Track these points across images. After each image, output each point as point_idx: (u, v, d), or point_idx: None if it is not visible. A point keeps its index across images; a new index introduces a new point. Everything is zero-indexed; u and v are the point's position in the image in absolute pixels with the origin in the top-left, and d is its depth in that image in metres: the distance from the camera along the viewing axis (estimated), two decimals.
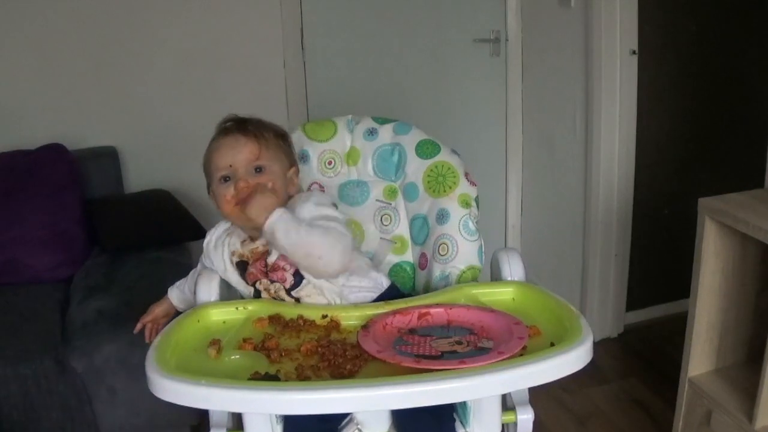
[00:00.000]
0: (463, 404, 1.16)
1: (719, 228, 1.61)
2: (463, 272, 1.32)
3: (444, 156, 1.40)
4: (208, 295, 1.26)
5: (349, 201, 1.46)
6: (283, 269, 1.24)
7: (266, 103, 2.63)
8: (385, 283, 1.30)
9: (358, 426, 1.12)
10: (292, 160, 1.35)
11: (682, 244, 1.99)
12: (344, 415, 1.13)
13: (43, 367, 1.80)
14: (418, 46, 2.81)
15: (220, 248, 1.31)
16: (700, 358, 1.74)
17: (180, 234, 2.28)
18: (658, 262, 2.71)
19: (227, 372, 1.01)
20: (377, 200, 1.46)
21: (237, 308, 1.20)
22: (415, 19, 2.78)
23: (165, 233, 2.30)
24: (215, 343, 1.07)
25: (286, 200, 1.29)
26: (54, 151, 2.32)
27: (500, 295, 1.22)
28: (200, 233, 2.10)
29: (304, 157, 1.46)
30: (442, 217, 1.36)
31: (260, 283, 1.26)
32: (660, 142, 2.57)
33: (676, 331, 2.00)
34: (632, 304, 2.72)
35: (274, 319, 1.17)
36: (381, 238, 1.45)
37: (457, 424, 1.17)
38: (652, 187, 2.61)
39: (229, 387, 0.94)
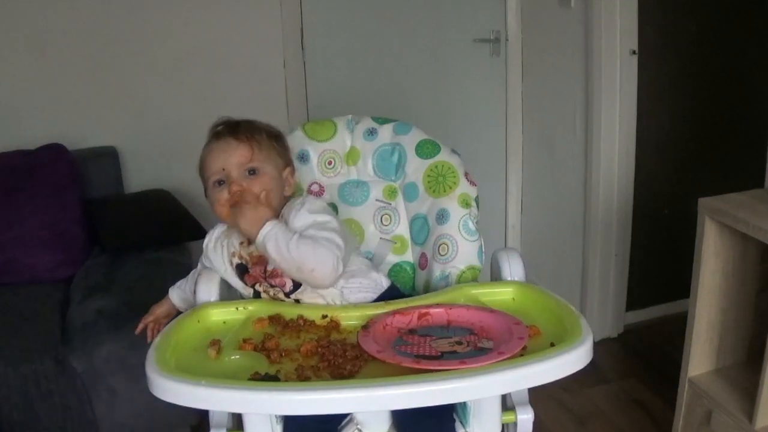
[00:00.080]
0: (463, 404, 1.16)
1: (719, 228, 1.61)
2: (463, 272, 1.32)
3: (444, 156, 1.40)
4: (208, 296, 1.26)
5: (349, 201, 1.46)
6: (282, 275, 1.24)
7: (266, 103, 2.63)
8: (385, 283, 1.30)
9: (358, 426, 1.12)
10: (287, 159, 1.35)
11: (682, 244, 1.99)
12: (344, 416, 1.13)
13: (43, 367, 1.80)
14: (418, 46, 2.81)
15: (219, 249, 1.31)
16: (700, 358, 1.74)
17: (180, 234, 2.27)
18: (658, 262, 2.71)
19: (227, 372, 1.01)
20: (377, 200, 1.46)
21: (237, 308, 1.20)
22: (415, 19, 2.78)
23: (165, 233, 2.29)
24: (215, 343, 1.07)
25: (283, 202, 1.29)
26: (54, 151, 2.32)
27: (500, 295, 1.22)
28: (200, 233, 2.10)
29: (305, 157, 1.46)
30: (442, 217, 1.36)
31: (260, 285, 1.26)
32: (660, 142, 2.57)
33: (676, 331, 2.00)
34: (632, 304, 2.72)
35: (274, 319, 1.17)
36: (381, 238, 1.45)
37: (457, 425, 1.17)
38: (652, 187, 2.61)
39: (229, 387, 0.94)
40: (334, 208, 1.45)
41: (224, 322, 1.18)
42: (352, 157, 1.46)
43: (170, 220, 2.32)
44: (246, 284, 1.27)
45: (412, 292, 1.40)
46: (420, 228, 1.41)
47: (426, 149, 1.41)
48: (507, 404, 1.20)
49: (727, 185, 1.67)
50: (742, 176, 1.86)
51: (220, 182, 1.26)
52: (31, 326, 1.92)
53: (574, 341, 0.99)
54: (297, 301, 1.25)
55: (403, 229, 1.45)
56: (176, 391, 0.95)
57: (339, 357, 1.03)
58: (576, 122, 2.57)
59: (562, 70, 2.63)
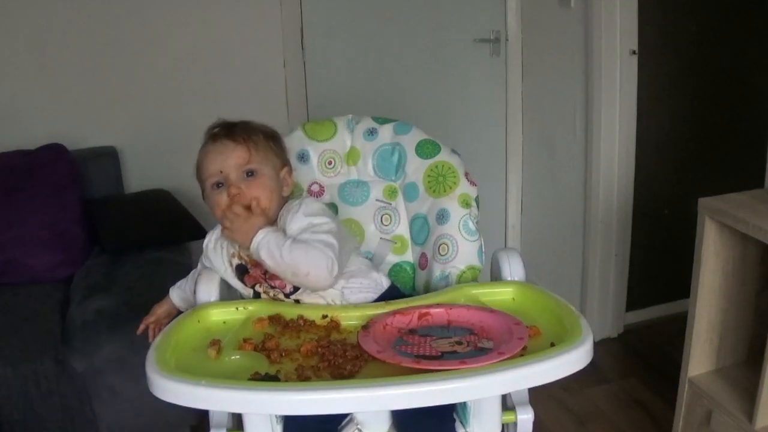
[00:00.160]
0: (463, 404, 1.16)
1: (719, 228, 1.61)
2: (463, 272, 1.32)
3: (444, 156, 1.40)
4: (208, 296, 1.26)
5: (349, 201, 1.46)
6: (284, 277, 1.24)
7: (266, 103, 2.64)
8: (385, 283, 1.30)
9: (358, 426, 1.12)
10: (285, 159, 1.34)
11: (682, 244, 1.99)
12: (344, 416, 1.13)
13: (43, 367, 1.80)
14: (418, 45, 2.81)
15: (219, 250, 1.31)
16: (700, 358, 1.74)
17: (180, 234, 2.27)
18: (658, 262, 2.71)
19: (227, 372, 1.01)
20: (377, 200, 1.46)
21: (237, 308, 1.20)
22: (415, 19, 2.78)
23: (165, 233, 2.29)
24: (215, 343, 1.07)
25: (282, 202, 1.29)
26: (54, 151, 2.32)
27: (500, 295, 1.22)
28: (200, 233, 2.10)
29: (305, 157, 1.46)
30: (442, 217, 1.36)
31: (260, 286, 1.27)
32: (660, 142, 2.57)
33: (676, 331, 2.00)
34: (632, 304, 2.72)
35: (274, 319, 1.17)
36: (381, 238, 1.45)
37: (457, 424, 1.17)
38: (652, 186, 2.61)
39: (229, 387, 0.94)
40: (334, 208, 1.45)
41: (224, 322, 1.18)
42: (352, 157, 1.46)
43: (170, 220, 2.32)
44: (246, 285, 1.27)
45: (413, 292, 1.41)
46: (420, 228, 1.41)
47: (426, 149, 1.41)
48: (507, 404, 1.20)
49: (727, 185, 1.67)
50: (743, 176, 1.86)
51: (218, 185, 1.26)
52: (31, 326, 1.92)
53: (574, 341, 0.99)
54: (297, 301, 1.25)
55: (403, 229, 1.45)
56: (176, 391, 0.95)
57: (339, 357, 1.03)
58: (576, 122, 2.57)
59: (562, 70, 2.63)
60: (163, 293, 1.45)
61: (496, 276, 1.30)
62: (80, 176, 2.35)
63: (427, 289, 1.35)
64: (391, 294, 1.28)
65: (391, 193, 1.45)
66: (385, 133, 1.45)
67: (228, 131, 1.28)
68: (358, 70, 2.77)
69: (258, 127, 1.32)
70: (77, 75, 2.47)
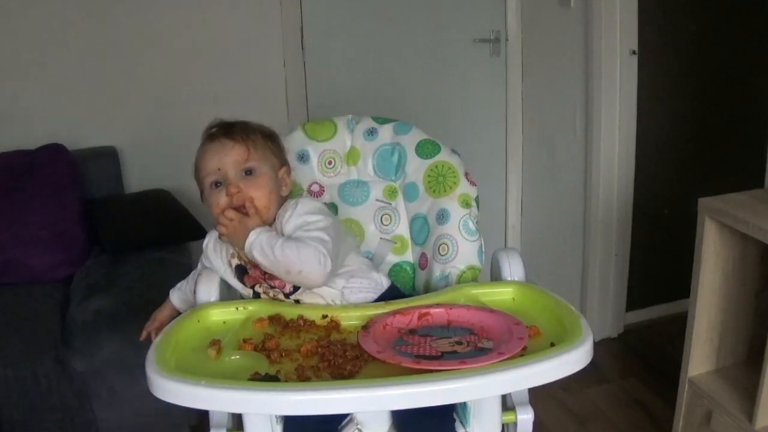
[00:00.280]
0: (464, 404, 1.16)
1: (719, 228, 1.61)
2: (463, 272, 1.32)
3: (444, 156, 1.40)
4: (208, 296, 1.26)
5: (349, 201, 1.46)
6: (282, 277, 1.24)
7: (266, 103, 2.64)
8: (385, 283, 1.30)
9: (358, 426, 1.12)
10: (283, 159, 1.35)
11: (682, 244, 1.99)
12: (344, 416, 1.13)
13: (43, 367, 1.80)
14: (418, 45, 2.81)
15: (219, 250, 1.31)
16: (700, 358, 1.74)
17: (180, 234, 2.27)
18: (658, 262, 2.71)
19: (227, 372, 1.01)
20: (377, 200, 1.46)
21: (237, 308, 1.20)
22: (415, 18, 2.78)
23: (165, 233, 2.29)
24: (215, 343, 1.07)
25: (280, 202, 1.29)
26: (54, 151, 2.32)
27: (500, 295, 1.22)
28: (201, 233, 2.10)
29: (304, 157, 1.46)
30: (442, 217, 1.36)
31: (259, 286, 1.27)
32: (660, 142, 2.57)
33: (676, 331, 2.00)
34: (632, 304, 2.72)
35: (274, 319, 1.17)
36: (381, 238, 1.45)
37: (457, 424, 1.17)
38: (652, 187, 2.61)
39: (229, 388, 0.94)
40: (333, 208, 1.45)
41: (224, 322, 1.18)
42: (352, 157, 1.46)
43: (170, 220, 2.31)
44: (246, 285, 1.27)
45: (413, 292, 1.40)
46: (420, 228, 1.41)
47: (426, 149, 1.41)
48: (507, 404, 1.20)
49: (727, 185, 1.67)
50: (743, 176, 1.86)
51: (216, 184, 1.25)
52: (31, 326, 1.92)
53: (574, 341, 0.99)
54: (297, 301, 1.25)
55: (403, 229, 1.45)
56: (176, 392, 0.95)
57: (339, 357, 1.03)
58: (576, 122, 2.57)
59: (561, 70, 2.63)
60: (164, 293, 1.45)
61: (496, 276, 1.30)
62: (80, 176, 2.35)
63: (427, 289, 1.35)
64: (391, 294, 1.28)
65: (391, 193, 1.45)
66: (385, 133, 1.45)
67: (226, 130, 1.28)
68: (358, 70, 2.77)
69: (256, 126, 1.32)
70: (77, 75, 2.47)
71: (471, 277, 1.33)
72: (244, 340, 1.09)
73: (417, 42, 2.80)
